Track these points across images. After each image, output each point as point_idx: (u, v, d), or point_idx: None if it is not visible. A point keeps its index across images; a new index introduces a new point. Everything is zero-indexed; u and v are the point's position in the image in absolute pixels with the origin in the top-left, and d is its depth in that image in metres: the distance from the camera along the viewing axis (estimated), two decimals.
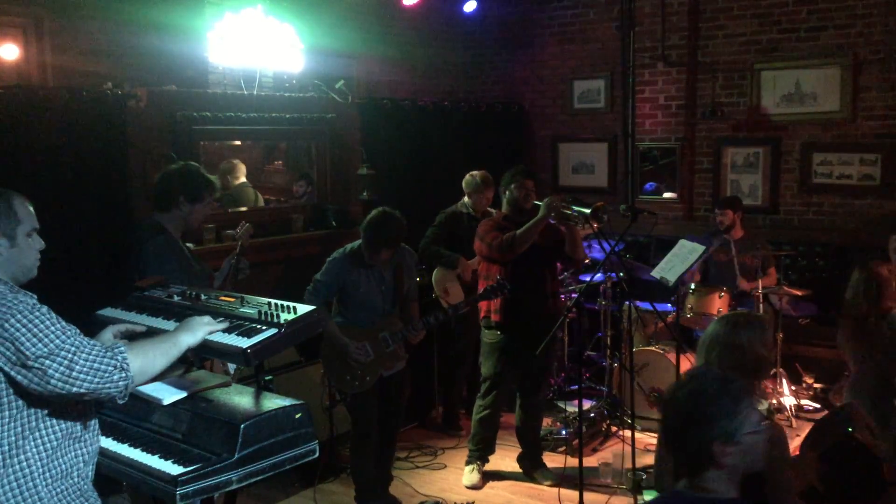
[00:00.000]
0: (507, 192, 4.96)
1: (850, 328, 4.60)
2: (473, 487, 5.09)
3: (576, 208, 4.69)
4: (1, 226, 2.28)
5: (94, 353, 2.21)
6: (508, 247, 4.71)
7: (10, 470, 2.19)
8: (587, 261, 6.38)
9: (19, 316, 2.14)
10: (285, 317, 2.77)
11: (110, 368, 2.23)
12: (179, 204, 3.82)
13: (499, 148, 7.47)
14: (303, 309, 2.82)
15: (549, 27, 7.81)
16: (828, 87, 6.50)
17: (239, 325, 2.79)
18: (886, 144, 6.32)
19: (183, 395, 2.75)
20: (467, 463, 5.22)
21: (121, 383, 2.26)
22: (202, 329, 2.62)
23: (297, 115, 5.78)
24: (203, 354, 3.08)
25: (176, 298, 3.13)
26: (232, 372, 3.72)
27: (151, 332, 2.72)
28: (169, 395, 2.74)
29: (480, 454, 5.19)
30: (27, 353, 2.13)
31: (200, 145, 5.32)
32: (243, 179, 6.38)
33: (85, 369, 2.18)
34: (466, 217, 5.83)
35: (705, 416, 2.19)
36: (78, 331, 2.25)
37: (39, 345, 2.14)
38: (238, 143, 6.65)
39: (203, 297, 3.12)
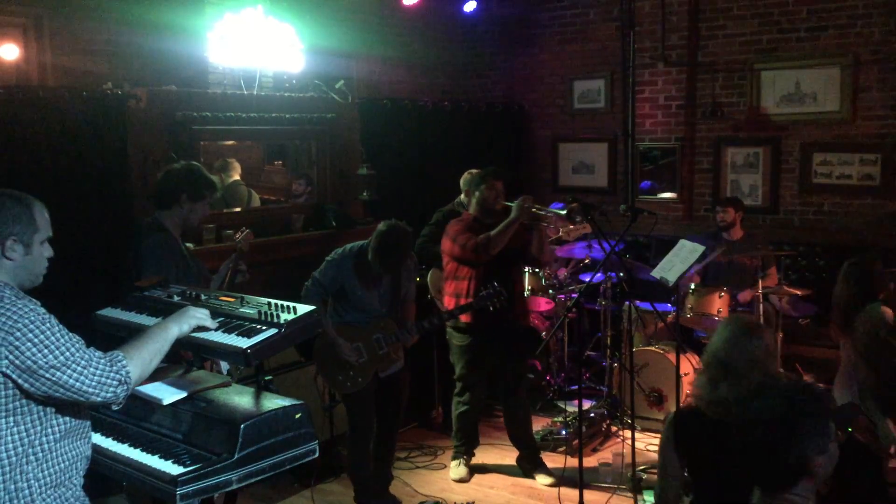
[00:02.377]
0: (477, 193, 4.96)
1: (838, 317, 4.65)
2: (461, 481, 5.14)
3: (550, 209, 4.72)
4: (20, 232, 2.29)
5: (100, 366, 2.25)
6: (483, 248, 4.72)
7: (14, 475, 2.20)
8: (587, 260, 6.40)
9: (31, 326, 2.16)
10: (285, 317, 2.77)
11: (115, 383, 2.27)
12: (181, 202, 3.88)
13: (499, 148, 7.46)
14: (303, 309, 2.82)
15: (549, 27, 7.81)
16: (828, 87, 6.50)
17: (239, 325, 2.79)
18: (886, 144, 6.33)
19: (183, 395, 2.75)
20: (453, 458, 5.28)
21: (121, 395, 2.30)
22: (191, 320, 2.61)
23: (297, 115, 5.77)
24: (203, 354, 3.08)
25: (176, 298, 3.13)
26: (224, 372, 3.74)
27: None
28: (169, 395, 2.74)
29: (466, 448, 5.25)
30: (39, 362, 2.15)
31: (200, 145, 5.31)
32: (236, 178, 6.38)
33: (93, 383, 2.22)
34: None
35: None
36: (83, 341, 2.27)
37: (51, 356, 2.16)
38: (237, 142, 6.65)
39: (203, 296, 3.11)
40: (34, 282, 2.37)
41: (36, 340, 2.15)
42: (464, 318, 4.92)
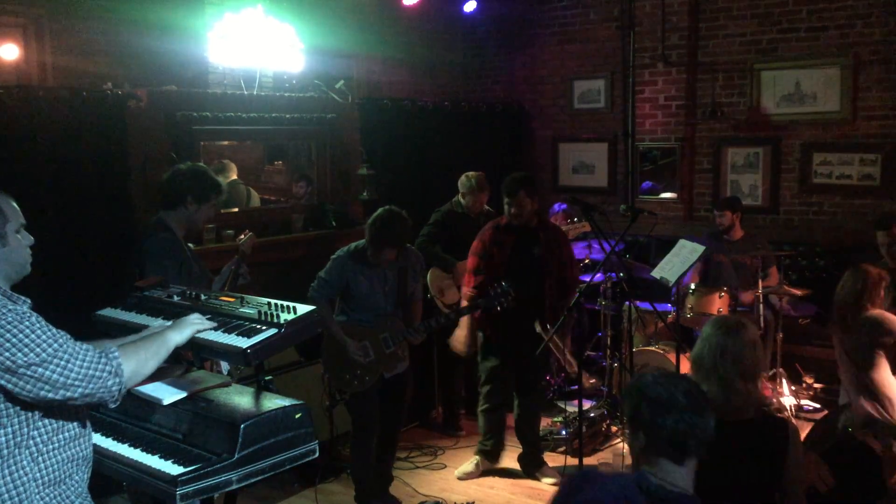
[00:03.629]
0: (505, 205, 5.00)
1: (837, 323, 4.65)
2: (465, 477, 5.16)
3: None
4: None
5: (87, 358, 2.20)
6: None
7: (4, 474, 2.19)
8: (587, 260, 6.40)
9: (9, 326, 2.12)
10: (285, 317, 2.77)
11: (105, 374, 2.21)
12: (187, 203, 3.91)
13: (499, 148, 7.46)
14: (303, 309, 2.83)
15: (549, 27, 7.80)
16: (828, 87, 6.50)
17: (239, 325, 2.79)
18: (886, 144, 6.32)
19: (183, 395, 2.75)
20: (476, 453, 5.30)
21: (114, 389, 2.24)
22: (191, 327, 2.61)
23: (297, 115, 5.78)
24: (203, 354, 3.08)
25: (176, 299, 3.13)
26: (224, 372, 3.74)
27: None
28: (169, 395, 2.74)
29: (490, 450, 5.24)
30: (18, 362, 2.10)
31: (201, 145, 5.31)
32: (234, 177, 6.39)
33: (80, 376, 2.17)
34: (462, 216, 5.82)
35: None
36: (69, 336, 2.22)
37: (31, 354, 2.12)
38: (237, 142, 6.66)
39: (203, 297, 3.12)
40: (21, 272, 2.33)
41: (14, 340, 2.11)
42: (484, 324, 5.02)
